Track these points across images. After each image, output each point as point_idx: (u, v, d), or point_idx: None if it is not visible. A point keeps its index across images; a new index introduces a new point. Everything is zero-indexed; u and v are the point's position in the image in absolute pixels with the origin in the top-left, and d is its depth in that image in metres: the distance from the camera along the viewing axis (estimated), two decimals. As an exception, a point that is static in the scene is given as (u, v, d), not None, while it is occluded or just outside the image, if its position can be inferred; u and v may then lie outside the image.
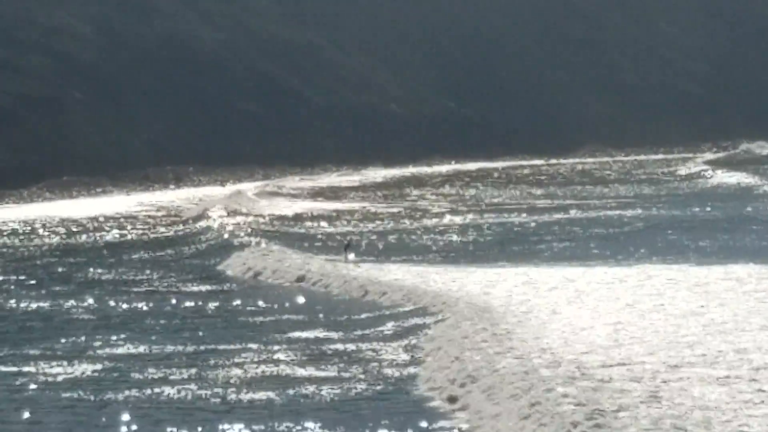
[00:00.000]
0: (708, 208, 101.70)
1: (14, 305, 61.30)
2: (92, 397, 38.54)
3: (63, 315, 57.85)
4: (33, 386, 41.08)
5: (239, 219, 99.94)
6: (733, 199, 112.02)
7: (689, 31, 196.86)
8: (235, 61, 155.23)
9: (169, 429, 34.17)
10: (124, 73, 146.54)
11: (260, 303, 60.10)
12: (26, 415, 36.12)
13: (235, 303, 60.32)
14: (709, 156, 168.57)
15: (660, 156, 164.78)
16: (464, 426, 33.92)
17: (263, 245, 79.76)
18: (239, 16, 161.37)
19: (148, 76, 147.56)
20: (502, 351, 42.96)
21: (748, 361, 41.69)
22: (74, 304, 60.98)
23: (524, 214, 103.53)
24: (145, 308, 59.21)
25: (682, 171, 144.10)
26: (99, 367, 43.93)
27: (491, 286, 62.33)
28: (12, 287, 67.35)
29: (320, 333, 50.52)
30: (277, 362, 44.48)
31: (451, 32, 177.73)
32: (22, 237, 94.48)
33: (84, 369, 43.64)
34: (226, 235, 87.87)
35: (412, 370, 41.58)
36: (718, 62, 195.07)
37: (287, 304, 58.74)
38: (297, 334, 50.56)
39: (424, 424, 33.66)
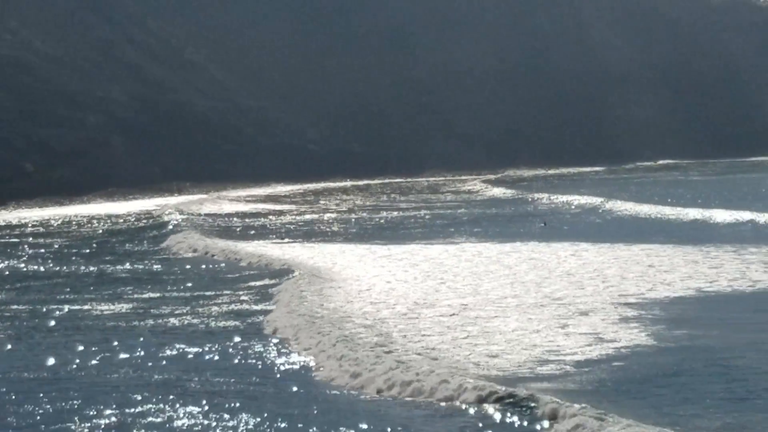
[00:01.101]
0: (503, 208, 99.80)
1: (76, 268, 60.41)
2: (124, 324, 38.76)
3: (107, 274, 56.94)
4: (88, 318, 41.27)
5: (185, 215, 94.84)
6: (512, 203, 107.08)
7: (490, 97, 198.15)
8: (217, 119, 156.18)
9: (174, 344, 34.07)
10: (148, 125, 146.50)
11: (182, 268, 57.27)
12: (83, 336, 36.16)
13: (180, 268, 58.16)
14: (501, 176, 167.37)
15: (474, 176, 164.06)
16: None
17: (187, 233, 75.43)
18: (220, 91, 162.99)
19: (162, 128, 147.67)
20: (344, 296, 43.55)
21: (521, 300, 41.61)
22: (115, 267, 60.03)
23: (393, 212, 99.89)
24: (158, 269, 57.89)
25: (486, 185, 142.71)
26: (130, 306, 43.76)
27: (363, 256, 61.09)
28: (74, 256, 66.24)
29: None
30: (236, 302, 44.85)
31: (348, 99, 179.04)
32: (81, 225, 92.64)
33: (121, 307, 43.50)
34: (170, 225, 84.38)
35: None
36: (508, 118, 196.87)
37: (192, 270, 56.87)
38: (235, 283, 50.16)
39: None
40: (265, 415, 24.69)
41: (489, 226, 79.09)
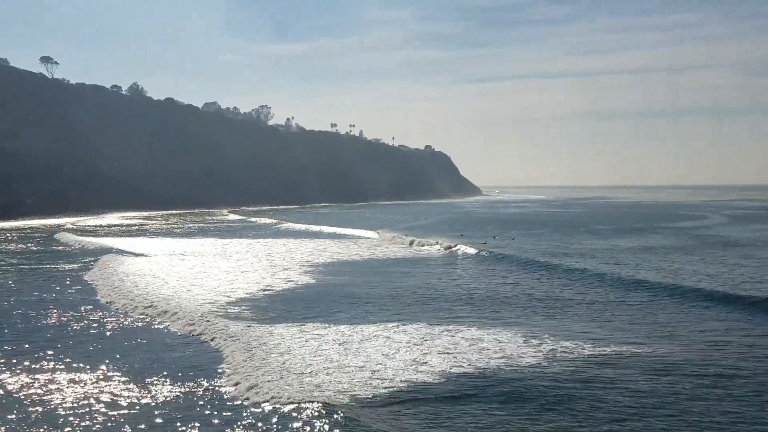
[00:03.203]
0: (241, 224, 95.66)
1: (27, 243, 55.46)
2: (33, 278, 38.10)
3: (36, 248, 52.60)
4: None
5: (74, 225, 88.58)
6: (242, 222, 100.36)
7: (252, 181, 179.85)
8: (124, 179, 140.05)
9: (43, 278, 36.88)
10: (84, 181, 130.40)
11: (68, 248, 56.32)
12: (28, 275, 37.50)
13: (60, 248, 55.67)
14: (236, 210, 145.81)
15: (225, 209, 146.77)
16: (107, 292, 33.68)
17: (65, 233, 71.71)
18: (126, 167, 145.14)
19: (88, 180, 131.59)
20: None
21: (254, 262, 44.22)
22: (39, 247, 56.18)
23: (189, 225, 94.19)
24: (51, 248, 54.50)
25: (229, 215, 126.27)
26: (38, 267, 42.93)
27: (166, 243, 62.07)
28: (32, 236, 60.66)
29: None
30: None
31: (184, 175, 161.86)
32: (41, 227, 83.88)
33: (36, 266, 42.60)
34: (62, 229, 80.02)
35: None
36: (255, 190, 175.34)
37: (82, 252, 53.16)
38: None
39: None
40: (72, 311, 28.61)
41: (236, 231, 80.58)
